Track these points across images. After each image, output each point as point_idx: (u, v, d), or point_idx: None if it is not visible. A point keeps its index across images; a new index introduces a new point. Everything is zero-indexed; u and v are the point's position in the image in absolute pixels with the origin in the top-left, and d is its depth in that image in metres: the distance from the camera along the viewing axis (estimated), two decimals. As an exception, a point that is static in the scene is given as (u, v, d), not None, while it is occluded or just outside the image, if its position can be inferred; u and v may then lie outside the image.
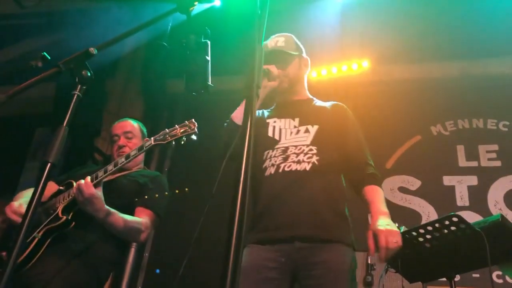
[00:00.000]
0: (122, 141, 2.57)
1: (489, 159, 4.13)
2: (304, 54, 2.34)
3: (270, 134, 2.19)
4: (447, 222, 2.05)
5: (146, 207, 2.36)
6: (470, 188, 4.05)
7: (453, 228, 2.05)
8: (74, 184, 2.17)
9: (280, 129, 2.19)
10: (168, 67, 4.74)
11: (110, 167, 2.20)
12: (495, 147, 4.16)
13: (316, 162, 2.05)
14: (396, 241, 1.80)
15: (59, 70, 1.45)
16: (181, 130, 2.15)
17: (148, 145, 2.19)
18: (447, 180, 4.13)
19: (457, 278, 2.43)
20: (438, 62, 4.61)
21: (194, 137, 2.14)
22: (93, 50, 1.47)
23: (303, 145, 2.09)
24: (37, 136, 5.22)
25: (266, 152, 2.14)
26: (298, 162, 2.05)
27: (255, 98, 1.17)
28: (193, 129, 2.13)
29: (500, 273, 3.50)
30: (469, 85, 4.48)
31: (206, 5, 3.06)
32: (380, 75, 4.78)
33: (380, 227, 1.83)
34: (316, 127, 2.14)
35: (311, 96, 2.36)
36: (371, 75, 4.74)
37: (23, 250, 2.07)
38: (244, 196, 0.99)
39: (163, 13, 1.66)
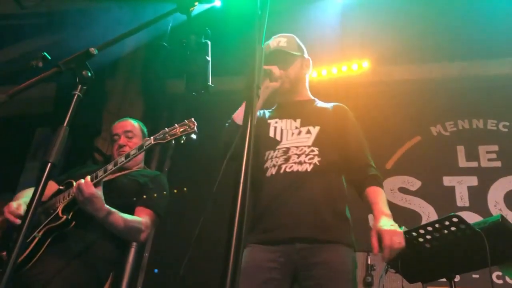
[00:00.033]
0: (122, 140, 2.58)
1: (489, 160, 4.13)
2: (306, 55, 2.34)
3: (271, 134, 2.19)
4: (447, 223, 2.05)
5: (146, 207, 2.36)
6: (470, 188, 4.05)
7: (453, 228, 2.05)
8: (74, 183, 2.17)
9: (282, 130, 2.19)
10: (168, 67, 4.74)
11: (110, 167, 2.20)
12: (495, 147, 4.16)
13: (318, 163, 2.05)
14: (400, 241, 1.81)
15: (59, 70, 1.45)
16: (181, 129, 2.15)
17: (148, 144, 2.19)
18: (447, 181, 4.14)
19: (457, 278, 2.43)
20: (438, 62, 4.61)
21: (193, 136, 2.14)
22: (93, 50, 1.47)
23: (305, 146, 2.09)
24: (37, 136, 5.22)
25: (267, 153, 2.14)
26: (300, 163, 2.05)
27: (255, 98, 1.17)
28: (193, 128, 2.13)
29: (500, 273, 3.50)
30: (469, 85, 4.48)
31: (207, 6, 3.06)
32: (380, 75, 4.78)
33: (385, 227, 1.83)
34: (317, 128, 2.14)
35: (312, 97, 2.36)
36: (371, 75, 4.75)
37: (23, 250, 2.07)
38: (244, 196, 0.99)
39: (164, 13, 1.66)
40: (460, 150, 4.24)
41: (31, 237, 2.13)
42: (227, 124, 2.14)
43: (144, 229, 2.29)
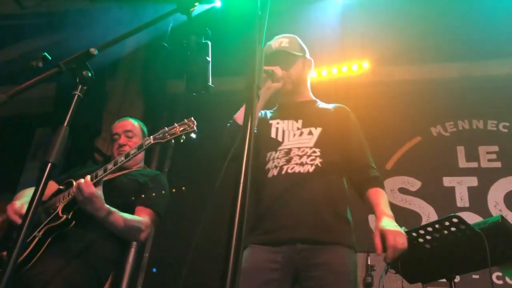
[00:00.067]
0: (122, 139, 2.58)
1: (489, 160, 4.13)
2: (307, 55, 2.34)
3: (273, 135, 2.19)
4: (447, 223, 2.05)
5: (146, 206, 2.36)
6: (470, 189, 4.05)
7: (453, 229, 2.05)
8: (74, 183, 2.17)
9: (283, 131, 2.18)
10: (168, 67, 4.74)
11: (110, 166, 2.20)
12: (495, 148, 4.16)
13: (320, 165, 2.04)
14: (403, 242, 1.81)
15: (59, 70, 1.45)
16: (181, 129, 2.15)
17: (148, 144, 2.19)
18: (447, 181, 4.14)
19: (457, 279, 2.44)
20: (438, 63, 4.62)
21: (193, 135, 2.13)
22: (93, 51, 1.48)
23: (307, 147, 2.09)
24: (37, 136, 5.23)
25: (269, 154, 2.14)
26: (301, 164, 2.05)
27: (255, 99, 1.17)
28: (192, 127, 2.13)
29: (500, 274, 3.50)
30: (469, 86, 4.49)
31: (207, 6, 3.05)
32: (380, 76, 4.78)
33: (389, 227, 1.84)
34: (319, 129, 2.14)
35: (314, 98, 2.35)
36: (371, 76, 4.75)
37: (23, 250, 2.07)
38: (244, 197, 1.00)
39: (164, 14, 1.66)
40: (460, 150, 4.24)
41: (31, 237, 2.13)
42: (228, 124, 2.14)
43: (144, 229, 2.29)
